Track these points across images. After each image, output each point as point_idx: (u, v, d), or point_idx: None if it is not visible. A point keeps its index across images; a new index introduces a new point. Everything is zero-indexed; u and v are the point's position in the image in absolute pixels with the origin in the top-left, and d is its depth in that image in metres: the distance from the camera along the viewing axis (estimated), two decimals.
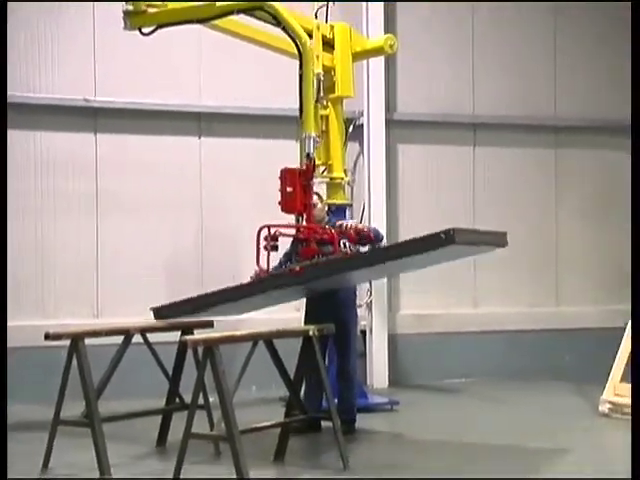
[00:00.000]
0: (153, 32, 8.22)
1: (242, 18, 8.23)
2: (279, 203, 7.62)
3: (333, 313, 7.88)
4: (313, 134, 7.62)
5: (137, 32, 8.25)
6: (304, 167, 7.57)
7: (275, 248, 7.65)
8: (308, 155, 7.59)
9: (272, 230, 7.59)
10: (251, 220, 10.50)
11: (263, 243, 7.57)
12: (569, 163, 12.02)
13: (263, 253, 7.52)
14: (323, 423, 7.84)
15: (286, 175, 7.54)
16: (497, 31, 11.69)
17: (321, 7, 8.64)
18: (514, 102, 11.77)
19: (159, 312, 7.80)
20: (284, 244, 7.95)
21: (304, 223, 7.60)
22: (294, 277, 7.26)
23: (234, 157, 10.64)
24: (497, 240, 7.28)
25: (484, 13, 11.60)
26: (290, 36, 7.69)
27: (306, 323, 7.95)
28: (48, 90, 10.06)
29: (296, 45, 7.63)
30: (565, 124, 11.93)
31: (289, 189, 7.48)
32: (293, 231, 7.67)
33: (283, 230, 7.65)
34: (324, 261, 7.33)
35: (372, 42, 8.81)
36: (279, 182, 7.56)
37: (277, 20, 7.72)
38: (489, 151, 11.70)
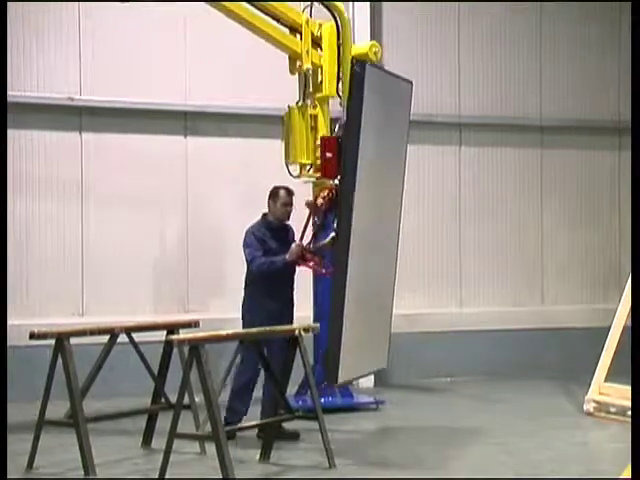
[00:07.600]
0: None
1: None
2: (319, 170, 7.82)
3: None
4: None
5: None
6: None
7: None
8: None
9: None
10: (237, 219, 10.59)
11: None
12: (554, 163, 12.05)
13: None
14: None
15: (325, 142, 7.74)
16: (482, 32, 11.71)
17: (307, 7, 8.62)
18: (499, 102, 11.80)
19: None
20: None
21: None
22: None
23: (220, 156, 10.61)
24: None
25: (469, 14, 11.61)
26: (330, 11, 8.03)
27: None
28: (33, 89, 10.00)
29: (335, 19, 8.04)
30: (550, 124, 11.96)
31: (329, 155, 7.65)
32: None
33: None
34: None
35: (356, 48, 8.80)
36: (319, 152, 7.78)
37: None
38: (475, 151, 11.72)
